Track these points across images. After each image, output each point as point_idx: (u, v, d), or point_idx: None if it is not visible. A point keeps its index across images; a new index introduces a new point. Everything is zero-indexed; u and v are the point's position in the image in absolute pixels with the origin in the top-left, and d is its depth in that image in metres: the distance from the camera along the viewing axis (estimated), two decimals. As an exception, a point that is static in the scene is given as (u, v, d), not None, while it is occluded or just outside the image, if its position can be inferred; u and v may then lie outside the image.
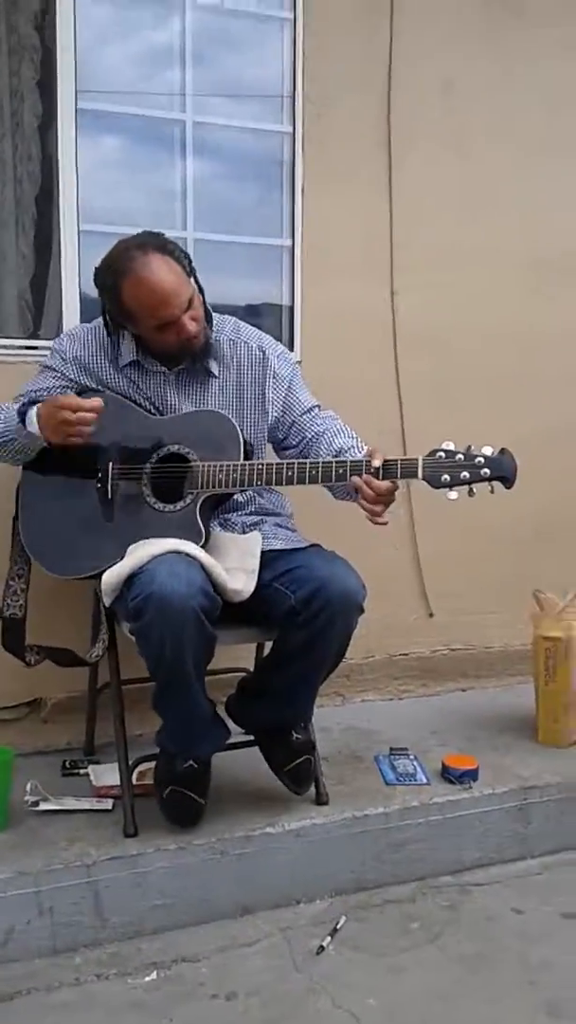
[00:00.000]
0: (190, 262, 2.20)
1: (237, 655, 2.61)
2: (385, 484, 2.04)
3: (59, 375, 2.30)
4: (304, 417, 2.35)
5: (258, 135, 2.92)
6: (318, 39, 2.87)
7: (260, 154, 2.94)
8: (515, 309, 3.17)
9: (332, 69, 2.89)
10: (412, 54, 2.96)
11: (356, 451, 2.22)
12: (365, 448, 2.22)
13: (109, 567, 2.06)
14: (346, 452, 2.23)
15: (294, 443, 2.36)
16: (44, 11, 2.69)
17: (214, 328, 2.31)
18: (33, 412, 2.14)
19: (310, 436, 2.33)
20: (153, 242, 2.15)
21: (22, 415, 2.16)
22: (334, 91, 2.90)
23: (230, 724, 2.29)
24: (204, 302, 2.25)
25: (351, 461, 2.08)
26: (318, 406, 2.39)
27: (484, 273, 3.13)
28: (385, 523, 2.07)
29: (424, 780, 2.47)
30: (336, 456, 2.22)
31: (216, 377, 2.31)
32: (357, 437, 2.30)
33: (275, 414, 2.35)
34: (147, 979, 1.96)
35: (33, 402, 2.19)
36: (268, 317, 2.98)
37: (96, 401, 2.10)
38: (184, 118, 2.83)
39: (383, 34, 2.92)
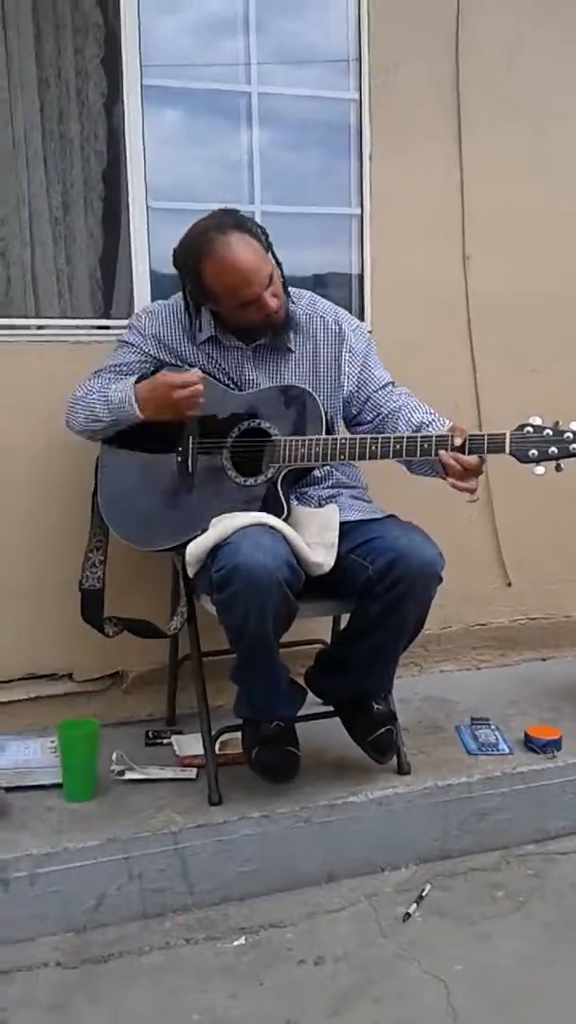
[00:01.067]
0: (267, 237, 2.19)
1: (312, 628, 2.62)
2: (474, 459, 2.03)
3: (138, 350, 2.32)
4: (379, 393, 2.33)
5: (324, 103, 2.89)
6: (383, 4, 2.81)
7: (326, 122, 2.91)
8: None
9: (398, 34, 2.84)
10: (479, 19, 2.89)
11: (437, 426, 2.20)
12: (446, 423, 2.20)
13: (190, 540, 2.08)
14: (426, 427, 2.21)
15: (368, 419, 2.34)
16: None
17: (291, 302, 2.30)
18: (132, 397, 2.17)
19: (386, 412, 2.31)
20: (230, 220, 2.15)
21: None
22: (401, 57, 2.84)
23: (308, 696, 2.30)
24: (283, 277, 2.25)
25: (436, 435, 2.06)
26: (393, 383, 2.37)
27: (557, 238, 3.06)
28: (476, 499, 2.07)
29: (507, 750, 2.45)
30: (416, 431, 2.20)
31: (293, 352, 2.31)
32: (435, 413, 2.28)
33: (350, 388, 2.33)
34: (235, 944, 1.99)
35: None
36: (338, 286, 2.96)
37: (194, 374, 2.13)
38: (249, 89, 2.81)
39: (450, 2, 2.86)
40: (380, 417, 2.32)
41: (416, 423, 2.24)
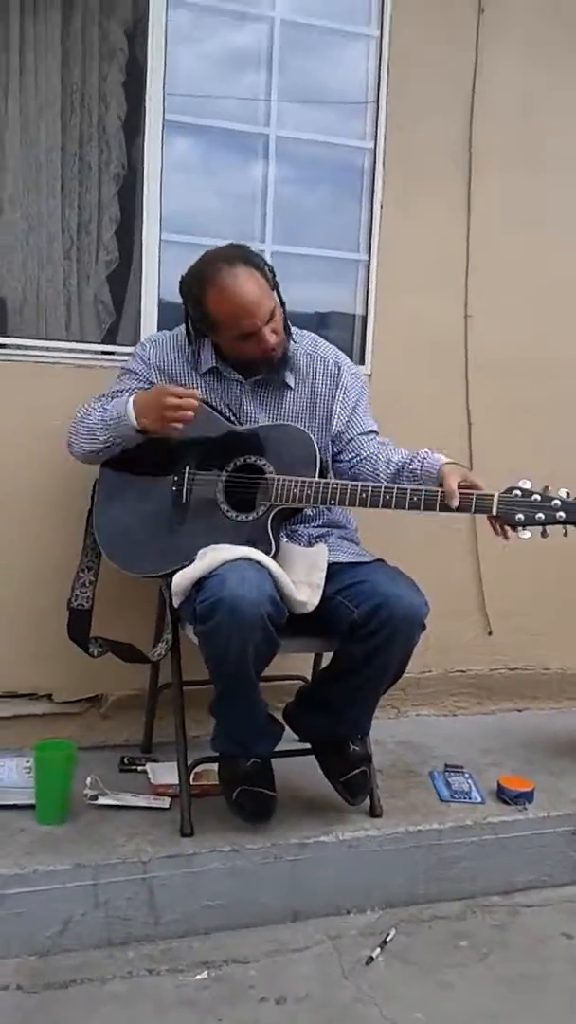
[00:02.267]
0: (274, 275, 2.25)
1: (293, 664, 2.63)
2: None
3: (140, 378, 2.35)
4: (363, 437, 2.37)
5: (339, 150, 2.95)
6: (402, 57, 2.89)
7: (340, 164, 2.97)
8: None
9: (416, 84, 2.91)
10: (495, 76, 2.97)
11: (417, 462, 2.23)
12: (420, 454, 2.23)
13: (178, 569, 2.10)
14: (406, 465, 2.25)
15: (347, 459, 2.37)
16: (137, 19, 2.75)
17: (293, 342, 2.34)
18: (129, 405, 2.20)
19: (364, 455, 2.35)
20: (239, 254, 2.20)
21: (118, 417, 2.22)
22: (417, 107, 2.92)
23: (286, 732, 2.31)
24: (285, 316, 2.29)
25: (426, 490, 2.10)
26: (376, 432, 2.41)
27: (559, 297, 3.13)
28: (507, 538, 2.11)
29: (479, 799, 2.46)
30: (398, 471, 2.25)
31: (291, 389, 2.35)
32: (412, 451, 2.29)
33: (338, 427, 2.37)
34: (197, 977, 1.99)
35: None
36: (341, 327, 3.01)
37: (194, 392, 2.16)
38: (268, 132, 2.88)
39: (467, 54, 2.94)
40: (359, 459, 2.35)
41: (396, 463, 2.27)
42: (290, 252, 2.90)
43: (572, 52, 3.07)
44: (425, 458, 2.22)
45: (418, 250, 2.96)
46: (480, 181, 2.99)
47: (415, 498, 2.09)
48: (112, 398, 2.31)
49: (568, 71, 3.07)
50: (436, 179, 2.97)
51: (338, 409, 2.37)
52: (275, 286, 2.25)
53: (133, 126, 2.79)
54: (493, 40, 2.95)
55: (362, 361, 2.95)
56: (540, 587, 3.16)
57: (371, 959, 2.08)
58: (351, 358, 2.53)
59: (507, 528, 2.08)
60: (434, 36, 2.91)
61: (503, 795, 2.47)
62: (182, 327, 2.36)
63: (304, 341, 2.40)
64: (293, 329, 2.37)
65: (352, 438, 2.37)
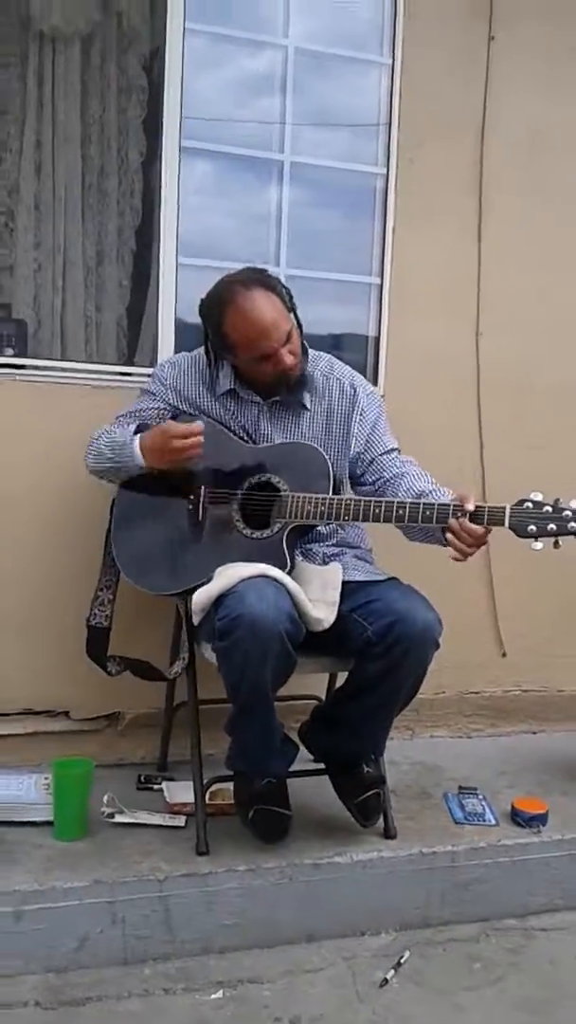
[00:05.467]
0: (291, 298, 2.28)
1: (307, 683, 2.63)
2: (480, 529, 2.06)
3: (158, 400, 2.38)
4: (384, 457, 2.39)
5: (352, 175, 2.99)
6: (414, 85, 2.93)
7: (353, 193, 3.01)
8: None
9: (427, 114, 2.95)
10: (506, 104, 3.01)
11: (437, 494, 2.24)
12: (447, 492, 2.23)
13: (196, 587, 2.12)
14: (427, 495, 2.24)
15: (370, 480, 2.39)
16: (154, 53, 2.81)
17: (309, 363, 2.37)
18: (136, 444, 2.24)
19: (388, 476, 2.36)
20: (257, 278, 2.24)
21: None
22: (428, 132, 2.96)
23: (300, 752, 2.32)
24: (302, 337, 2.32)
25: (439, 504, 2.11)
26: (398, 450, 2.42)
27: (569, 320, 3.15)
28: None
29: (492, 821, 2.46)
30: (417, 499, 2.24)
31: (308, 410, 2.37)
32: (437, 483, 2.31)
33: (357, 449, 2.39)
34: (213, 996, 1.99)
35: (139, 428, 2.29)
36: (354, 348, 3.04)
37: (197, 425, 2.19)
38: (282, 158, 2.92)
39: (478, 83, 2.98)
40: (382, 480, 2.36)
41: (417, 490, 2.27)
42: (305, 276, 2.93)
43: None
44: (447, 491, 2.23)
45: (430, 273, 2.99)
46: (491, 205, 3.03)
47: (428, 512, 2.10)
48: (128, 422, 2.35)
49: (576, 98, 3.11)
50: (447, 203, 3.01)
51: (356, 431, 2.38)
52: (292, 308, 2.28)
53: (150, 154, 2.84)
54: (503, 68, 3.00)
55: (375, 382, 2.98)
56: (554, 609, 3.17)
57: (385, 981, 2.08)
58: (365, 378, 2.55)
59: (474, 549, 2.08)
60: (445, 64, 2.95)
61: (517, 817, 2.46)
62: (201, 349, 2.39)
63: (321, 363, 2.43)
64: (311, 351, 2.40)
65: (374, 459, 2.38)
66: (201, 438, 2.18)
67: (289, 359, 2.24)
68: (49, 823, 2.25)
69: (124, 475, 2.31)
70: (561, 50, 3.07)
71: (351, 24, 2.94)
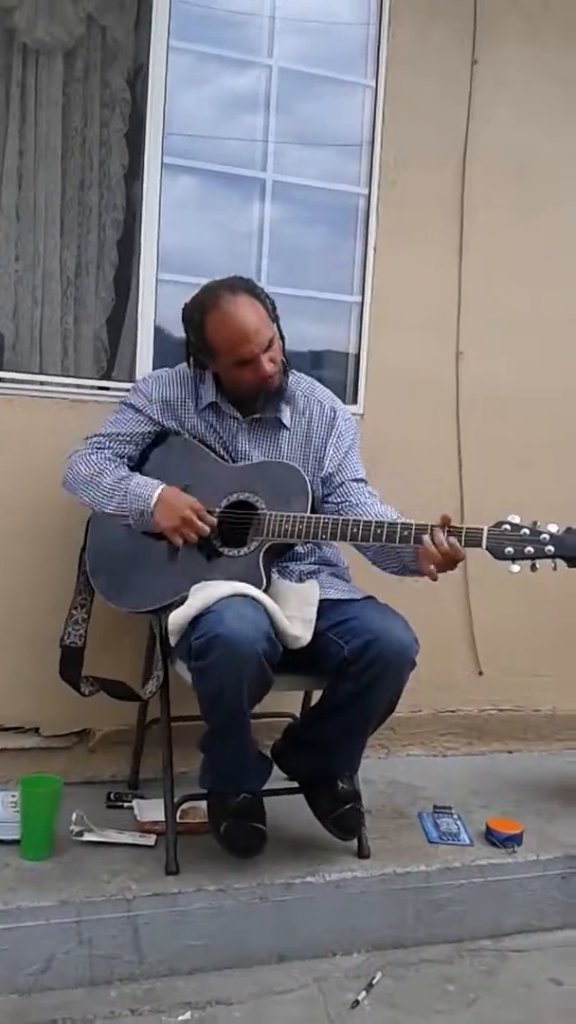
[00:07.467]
0: (274, 308, 2.28)
1: (282, 701, 2.63)
2: (454, 549, 2.05)
3: (142, 415, 2.36)
4: (353, 484, 2.38)
5: (334, 194, 3.00)
6: (396, 106, 2.96)
7: (335, 211, 3.03)
8: (579, 377, 3.20)
9: (409, 135, 2.98)
10: (488, 126, 3.04)
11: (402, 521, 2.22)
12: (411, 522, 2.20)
13: (170, 604, 2.11)
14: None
15: (335, 501, 2.36)
16: (138, 69, 2.82)
17: (291, 382, 2.37)
18: (156, 495, 2.19)
19: (354, 502, 2.34)
20: (241, 284, 2.25)
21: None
22: (411, 153, 2.98)
23: (274, 770, 2.31)
24: (284, 350, 2.32)
25: (416, 524, 2.09)
26: (366, 480, 2.42)
27: (549, 339, 3.17)
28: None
29: (467, 841, 2.45)
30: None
31: (287, 428, 2.37)
32: (401, 515, 2.29)
33: (329, 469, 2.38)
34: (180, 1018, 1.96)
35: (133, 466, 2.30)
36: (334, 365, 3.05)
37: (212, 522, 2.19)
38: (264, 176, 2.93)
39: (461, 105, 3.01)
40: (348, 504, 2.34)
41: (384, 517, 2.25)
42: (285, 293, 2.93)
43: (563, 105, 3.14)
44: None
45: (411, 293, 3.01)
46: (472, 225, 3.05)
47: (405, 531, 2.09)
48: (112, 443, 2.33)
49: (558, 123, 3.14)
50: (429, 224, 3.03)
51: (331, 452, 2.38)
52: (276, 319, 2.28)
53: (132, 170, 2.84)
54: (486, 91, 3.03)
55: (354, 400, 2.98)
56: (531, 629, 3.17)
57: (357, 1002, 2.05)
58: (344, 396, 2.56)
59: (447, 569, 2.07)
60: (428, 86, 2.98)
61: (492, 837, 2.45)
62: (183, 364, 2.38)
63: (303, 383, 2.43)
64: (292, 371, 2.40)
65: (343, 482, 2.38)
66: (206, 529, 2.18)
67: (269, 366, 2.24)
68: (16, 842, 2.21)
69: (111, 512, 2.25)
70: (543, 73, 3.11)
71: (336, 46, 2.97)
